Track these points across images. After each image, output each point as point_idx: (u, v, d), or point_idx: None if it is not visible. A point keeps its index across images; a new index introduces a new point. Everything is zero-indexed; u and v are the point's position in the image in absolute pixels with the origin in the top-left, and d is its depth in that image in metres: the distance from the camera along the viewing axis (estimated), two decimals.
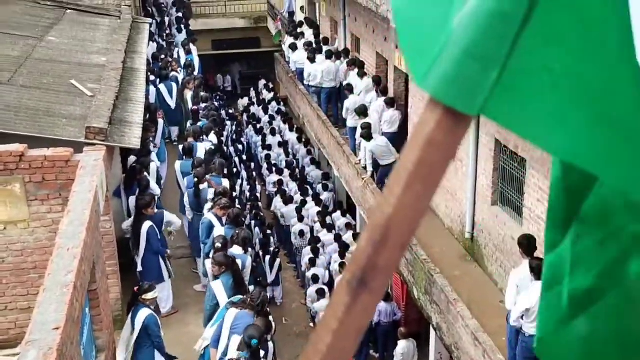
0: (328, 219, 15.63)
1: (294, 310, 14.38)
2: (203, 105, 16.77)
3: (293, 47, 19.56)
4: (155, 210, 10.78)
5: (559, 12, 0.60)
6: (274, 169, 18.82)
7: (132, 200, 11.04)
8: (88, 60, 12.90)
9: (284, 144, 20.15)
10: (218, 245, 9.69)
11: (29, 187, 8.49)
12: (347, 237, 14.57)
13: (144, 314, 8.50)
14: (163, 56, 19.03)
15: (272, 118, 22.04)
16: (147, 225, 10.38)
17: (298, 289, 15.44)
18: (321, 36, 19.18)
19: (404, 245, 0.57)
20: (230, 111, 23.92)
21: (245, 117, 24.11)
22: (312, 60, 17.20)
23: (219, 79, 30.88)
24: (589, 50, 0.61)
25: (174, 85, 17.05)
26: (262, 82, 25.38)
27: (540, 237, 8.35)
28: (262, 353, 7.90)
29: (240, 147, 20.51)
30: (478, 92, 0.58)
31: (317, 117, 16.85)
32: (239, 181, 16.68)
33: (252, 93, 25.75)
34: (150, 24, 18.69)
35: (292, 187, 17.54)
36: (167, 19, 24.09)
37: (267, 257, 14.29)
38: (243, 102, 26.13)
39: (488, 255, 10.35)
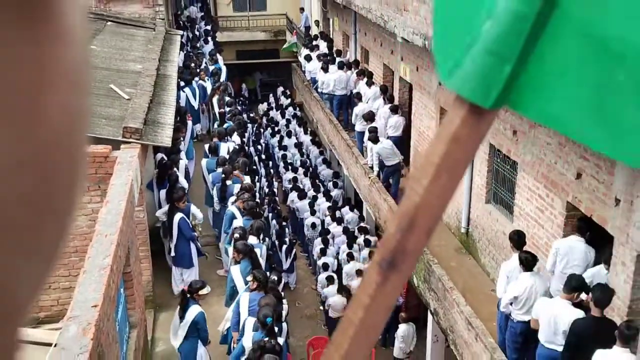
0: (337, 213, 15.63)
1: (305, 294, 14.37)
2: (227, 109, 16.79)
3: (308, 58, 19.55)
4: (186, 204, 10.82)
5: None
6: (289, 167, 18.82)
7: (163, 193, 11.08)
8: (125, 67, 12.95)
9: (298, 145, 20.13)
10: (236, 235, 9.70)
11: None
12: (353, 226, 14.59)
13: (194, 310, 8.44)
14: (192, 64, 19.07)
15: (288, 122, 22.02)
16: (178, 216, 10.43)
17: (309, 275, 15.43)
18: (334, 49, 19.14)
19: (430, 231, 0.57)
20: (251, 115, 23.92)
21: (264, 120, 24.11)
22: (325, 70, 17.18)
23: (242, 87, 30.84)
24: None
25: (197, 89, 17.12)
26: (280, 89, 25.34)
27: (529, 232, 8.32)
28: (276, 330, 7.89)
29: (259, 147, 20.51)
30: (493, 86, 0.56)
31: (329, 122, 16.83)
32: (258, 178, 16.70)
33: (271, 99, 25.71)
34: (182, 36, 18.74)
35: (305, 184, 17.53)
36: (196, 32, 24.10)
37: (284, 247, 14.30)
38: (263, 107, 26.09)
39: (481, 248, 10.32)
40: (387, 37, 14.47)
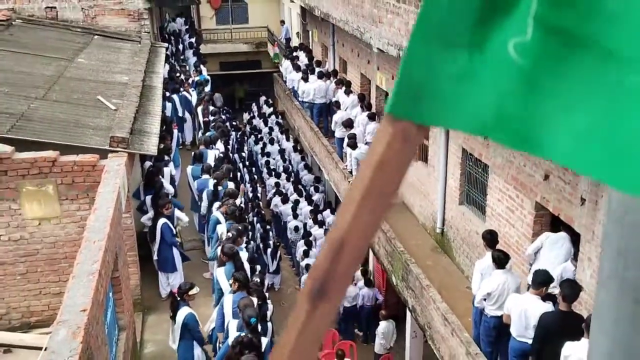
0: (319, 216, 15.63)
1: (290, 295, 14.33)
2: (212, 117, 16.71)
3: (289, 69, 19.55)
4: (171, 209, 10.74)
5: None
6: (272, 173, 18.80)
7: (148, 198, 11.00)
8: (112, 79, 12.86)
9: (281, 152, 20.12)
10: (229, 235, 9.52)
11: (60, 188, 8.46)
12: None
13: (184, 312, 8.23)
14: (178, 74, 18.96)
15: (271, 129, 21.99)
16: (161, 221, 10.35)
17: (293, 276, 15.40)
18: (314, 59, 19.17)
19: (359, 257, 0.54)
20: (235, 123, 23.83)
21: (248, 128, 24.06)
22: (305, 80, 17.20)
23: (216, 98, 30.47)
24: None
25: (183, 99, 16.99)
26: (263, 98, 25.28)
27: (500, 232, 8.38)
28: (261, 329, 7.80)
29: (243, 154, 20.44)
30: (418, 103, 0.56)
31: (309, 129, 16.85)
32: (243, 184, 16.62)
33: (254, 108, 25.65)
34: (167, 48, 18.63)
35: (288, 189, 17.52)
36: (181, 45, 23.98)
37: (268, 250, 14.26)
38: (246, 115, 26.04)
39: (456, 247, 10.37)
40: (363, 48, 14.53)
